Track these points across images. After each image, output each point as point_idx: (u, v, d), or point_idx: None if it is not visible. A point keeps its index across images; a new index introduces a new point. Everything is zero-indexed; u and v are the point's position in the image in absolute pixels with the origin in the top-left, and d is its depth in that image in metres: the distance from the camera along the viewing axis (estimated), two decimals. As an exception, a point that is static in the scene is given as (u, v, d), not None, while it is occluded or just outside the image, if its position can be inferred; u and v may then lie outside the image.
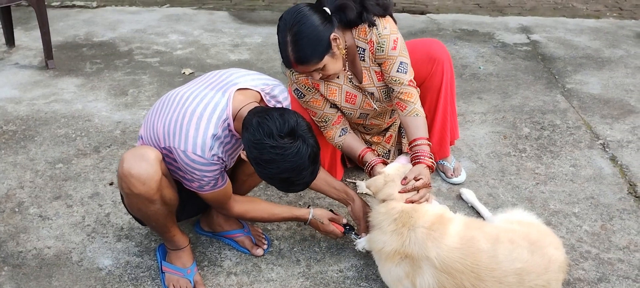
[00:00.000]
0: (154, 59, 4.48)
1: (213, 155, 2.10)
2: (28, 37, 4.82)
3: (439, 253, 2.19)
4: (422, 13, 5.82)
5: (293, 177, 2.01)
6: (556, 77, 4.33)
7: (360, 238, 2.50)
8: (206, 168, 2.11)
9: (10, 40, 4.56)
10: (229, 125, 2.14)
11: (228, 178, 2.25)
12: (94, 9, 5.59)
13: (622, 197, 2.94)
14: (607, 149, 3.36)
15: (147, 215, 2.19)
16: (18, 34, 4.80)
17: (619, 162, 3.23)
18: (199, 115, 2.10)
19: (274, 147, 1.95)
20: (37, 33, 4.88)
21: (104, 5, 5.69)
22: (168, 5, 5.76)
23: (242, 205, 2.37)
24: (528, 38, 5.11)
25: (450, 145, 3.08)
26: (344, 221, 2.55)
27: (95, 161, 3.14)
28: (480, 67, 4.44)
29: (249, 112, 2.07)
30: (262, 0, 6.05)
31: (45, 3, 4.18)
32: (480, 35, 5.15)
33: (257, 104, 2.18)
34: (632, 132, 3.55)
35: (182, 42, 4.84)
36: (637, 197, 2.94)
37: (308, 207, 2.51)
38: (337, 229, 2.50)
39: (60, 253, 2.51)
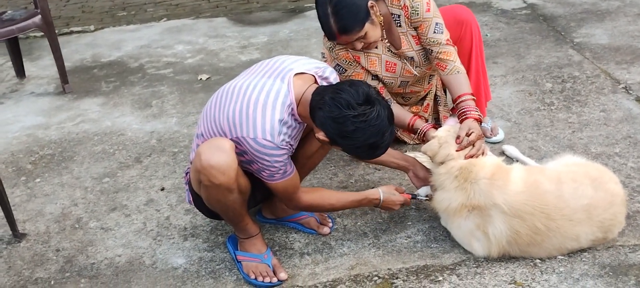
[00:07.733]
0: (167, 70, 4.50)
1: (282, 140, 2.14)
2: (35, 67, 4.81)
3: (506, 199, 2.26)
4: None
5: (378, 141, 2.08)
6: (562, 33, 4.45)
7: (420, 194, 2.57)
8: (276, 153, 2.14)
9: (20, 72, 4.55)
10: (293, 110, 2.18)
11: (294, 167, 2.28)
12: (93, 32, 5.59)
13: (656, 132, 3.05)
14: (631, 91, 3.48)
15: (226, 205, 2.22)
16: (24, 65, 4.77)
17: (644, 101, 3.35)
18: (264, 102, 2.14)
19: (356, 116, 2.02)
20: (43, 62, 4.90)
21: (102, 28, 5.68)
22: (165, 19, 5.77)
23: (311, 195, 2.37)
24: (524, 2, 5.23)
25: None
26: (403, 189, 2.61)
27: (139, 171, 3.16)
28: (487, 35, 4.54)
29: (315, 92, 2.13)
30: (256, 2, 6.10)
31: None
32: (478, 6, 5.25)
33: (316, 86, 2.23)
34: (649, 72, 3.68)
35: (190, 50, 4.87)
36: (670, 130, 3.06)
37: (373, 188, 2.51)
38: (406, 196, 2.53)
39: (132, 259, 2.54)
